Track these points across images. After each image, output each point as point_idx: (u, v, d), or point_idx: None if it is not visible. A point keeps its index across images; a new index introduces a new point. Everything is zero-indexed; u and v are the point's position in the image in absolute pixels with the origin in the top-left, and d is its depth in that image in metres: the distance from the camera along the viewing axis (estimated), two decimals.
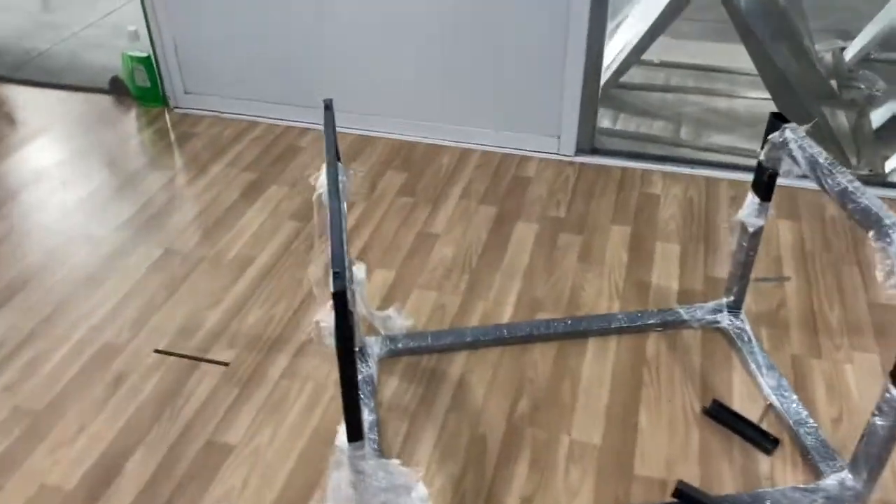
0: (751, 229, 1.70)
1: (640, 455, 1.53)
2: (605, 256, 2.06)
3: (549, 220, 2.20)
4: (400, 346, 1.76)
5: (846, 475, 1.43)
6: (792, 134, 1.51)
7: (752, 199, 1.67)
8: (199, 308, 1.90)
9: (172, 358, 1.76)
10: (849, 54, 3.20)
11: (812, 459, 1.50)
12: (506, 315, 1.87)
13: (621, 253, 2.07)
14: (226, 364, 1.74)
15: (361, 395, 1.62)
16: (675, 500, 1.41)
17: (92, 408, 1.63)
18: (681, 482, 1.40)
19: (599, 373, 1.71)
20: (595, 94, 2.40)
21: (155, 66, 2.75)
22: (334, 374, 1.69)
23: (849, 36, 3.29)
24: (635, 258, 2.05)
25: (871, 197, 1.32)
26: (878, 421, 1.31)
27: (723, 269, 2.01)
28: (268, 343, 1.80)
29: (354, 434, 1.13)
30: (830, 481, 1.43)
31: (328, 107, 1.42)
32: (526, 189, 2.35)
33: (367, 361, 1.71)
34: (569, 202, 2.28)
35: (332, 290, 1.00)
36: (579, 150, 2.47)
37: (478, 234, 2.15)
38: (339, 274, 1.01)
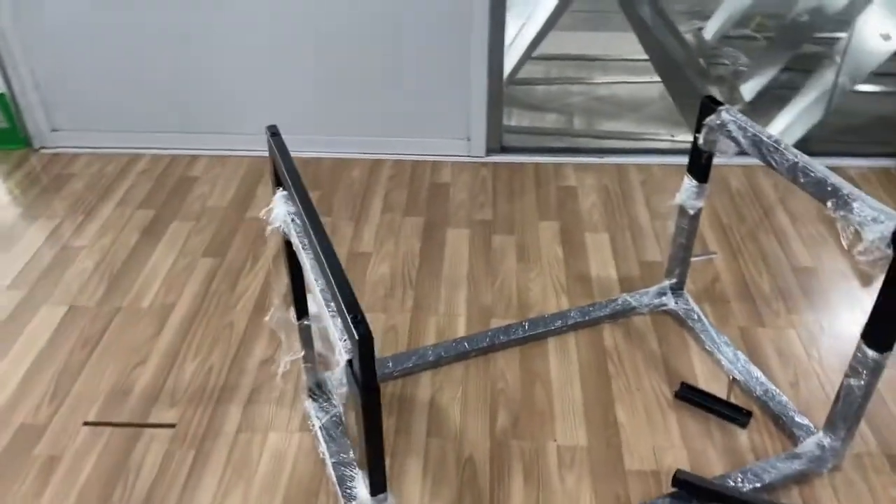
0: (691, 211, 1.74)
1: (627, 450, 1.53)
2: (540, 254, 2.05)
3: (478, 224, 2.17)
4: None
5: (822, 437, 1.49)
6: (729, 115, 1.55)
7: (689, 182, 1.71)
8: (125, 367, 1.71)
9: (108, 429, 1.57)
10: (708, 34, 3.39)
11: (785, 426, 1.56)
12: (460, 327, 1.82)
13: (555, 248, 2.07)
14: (172, 426, 1.58)
15: (334, 436, 1.52)
16: (676, 489, 1.42)
17: (26, 503, 1.43)
18: (679, 471, 1.41)
19: (567, 373, 1.69)
20: (500, 93, 2.39)
21: (12, 103, 2.46)
22: (296, 420, 1.58)
23: (704, 16, 3.49)
24: (570, 252, 2.06)
25: (822, 169, 1.38)
26: (853, 381, 1.38)
27: (653, 253, 2.05)
28: (213, 395, 1.65)
29: (378, 486, 1.04)
30: (809, 445, 1.49)
31: (274, 133, 1.30)
32: (447, 195, 2.30)
33: (330, 399, 1.60)
34: (492, 203, 2.25)
35: (355, 335, 0.91)
36: (490, 150, 2.45)
37: (410, 247, 2.08)
38: (360, 318, 0.92)
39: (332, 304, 1.08)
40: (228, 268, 2.01)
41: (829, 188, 1.34)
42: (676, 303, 1.84)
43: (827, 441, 1.47)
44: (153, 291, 1.93)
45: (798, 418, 1.56)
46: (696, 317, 1.81)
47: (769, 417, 1.59)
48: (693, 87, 2.96)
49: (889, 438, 1.54)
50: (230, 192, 2.32)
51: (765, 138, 1.47)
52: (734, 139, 1.54)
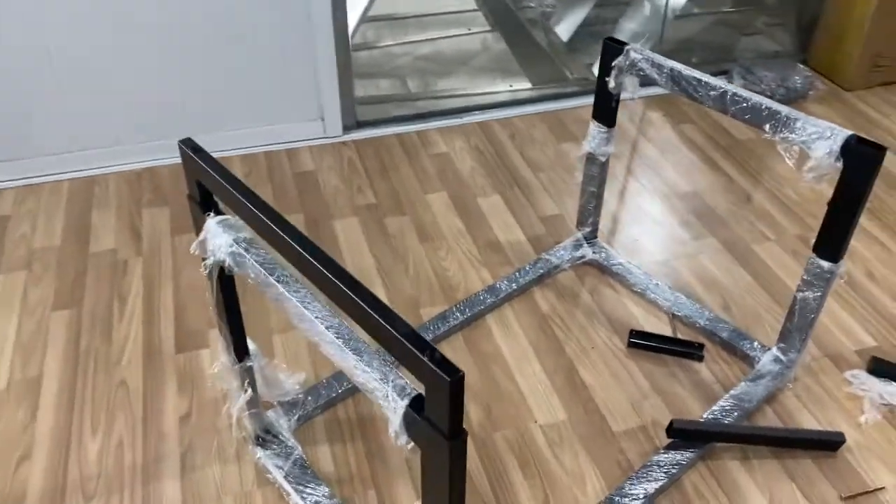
0: (602, 158, 1.71)
1: (606, 411, 1.49)
2: (441, 229, 1.93)
3: (364, 210, 1.99)
4: (309, 408, 1.46)
5: (776, 352, 1.55)
6: (638, 54, 1.52)
7: (596, 129, 1.67)
8: (5, 469, 1.36)
9: None
10: None
11: (736, 349, 1.60)
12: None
13: (453, 220, 1.96)
14: None
15: (305, 481, 1.32)
16: (673, 440, 1.40)
17: None
18: (674, 420, 1.39)
19: (519, 348, 1.61)
20: (349, 65, 2.19)
21: None
22: (250, 475, 1.36)
23: None
24: (469, 221, 1.96)
25: (753, 95, 1.39)
26: (808, 294, 1.43)
27: (550, 206, 2.01)
28: (137, 474, 1.36)
29: None
30: (766, 363, 1.54)
31: (196, 148, 1.05)
32: (317, 184, 2.08)
33: (285, 441, 1.39)
34: (370, 185, 2.08)
35: (445, 376, 0.74)
36: (346, 128, 2.26)
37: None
38: (440, 357, 0.76)
39: (364, 349, 0.90)
40: (92, 318, 1.66)
41: (766, 112, 1.36)
42: (595, 252, 1.82)
43: (782, 355, 1.53)
44: (5, 367, 1.55)
45: (746, 339, 1.61)
46: (617, 262, 1.80)
47: (719, 345, 1.63)
48: (525, 36, 2.95)
49: (823, 340, 1.64)
50: (57, 226, 1.93)
51: (685, 72, 1.46)
52: (649, 77, 1.52)
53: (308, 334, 0.98)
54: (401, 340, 0.79)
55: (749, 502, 1.33)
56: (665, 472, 1.36)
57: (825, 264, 1.38)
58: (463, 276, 1.79)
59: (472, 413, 1.48)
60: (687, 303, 1.70)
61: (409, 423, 0.84)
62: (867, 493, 1.34)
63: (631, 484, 1.34)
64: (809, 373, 1.56)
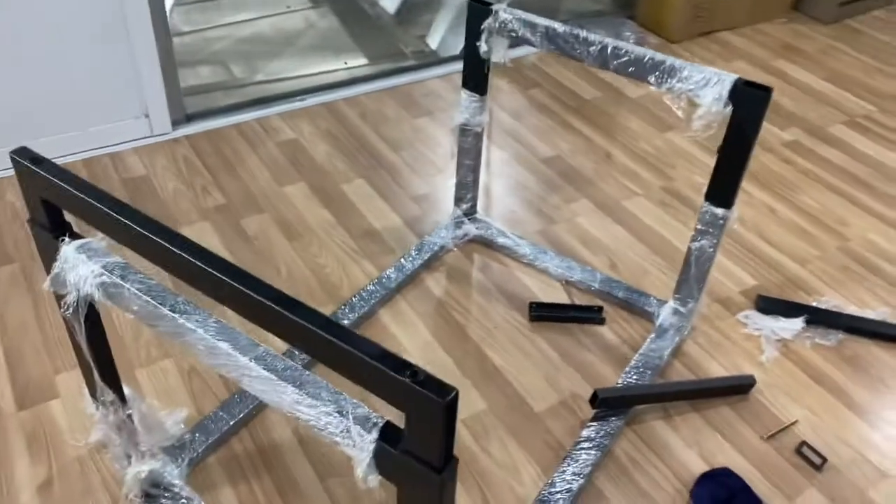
0: (477, 129, 1.61)
1: (525, 392, 1.41)
2: (308, 224, 1.75)
3: (214, 212, 1.76)
4: (198, 448, 1.26)
5: (673, 304, 1.54)
6: (508, 14, 1.43)
7: (468, 98, 1.57)
8: None
9: None
10: None
11: (634, 307, 1.59)
12: (274, 339, 1.47)
13: (320, 212, 1.79)
14: None
15: None
16: (601, 409, 1.35)
17: None
18: (598, 391, 1.34)
19: (421, 340, 1.49)
20: (170, 51, 1.93)
21: None
22: None
23: None
24: (338, 211, 1.80)
25: (634, 47, 1.35)
26: (703, 242, 1.43)
27: (419, 185, 1.90)
28: None
29: None
30: (666, 317, 1.53)
31: (37, 159, 0.82)
32: (153, 189, 1.82)
33: (180, 493, 1.18)
34: (215, 184, 1.85)
35: (437, 399, 0.61)
36: (175, 123, 2.00)
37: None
38: (426, 376, 0.62)
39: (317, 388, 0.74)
40: None
41: (649, 64, 1.32)
42: (478, 228, 1.73)
43: (681, 306, 1.53)
44: None
45: (641, 296, 1.60)
46: (501, 235, 1.72)
47: (616, 305, 1.60)
48: (355, 9, 2.79)
49: (709, 286, 1.66)
50: None
51: (560, 29, 1.39)
52: (522, 38, 1.44)
53: (224, 370, 0.80)
54: (370, 363, 0.65)
55: (680, 458, 1.31)
56: (596, 446, 1.31)
57: (718, 211, 1.38)
58: (343, 271, 1.64)
59: None
60: (577, 267, 1.66)
61: (381, 460, 0.70)
62: (784, 429, 1.37)
63: (567, 465, 1.28)
64: (705, 320, 1.58)
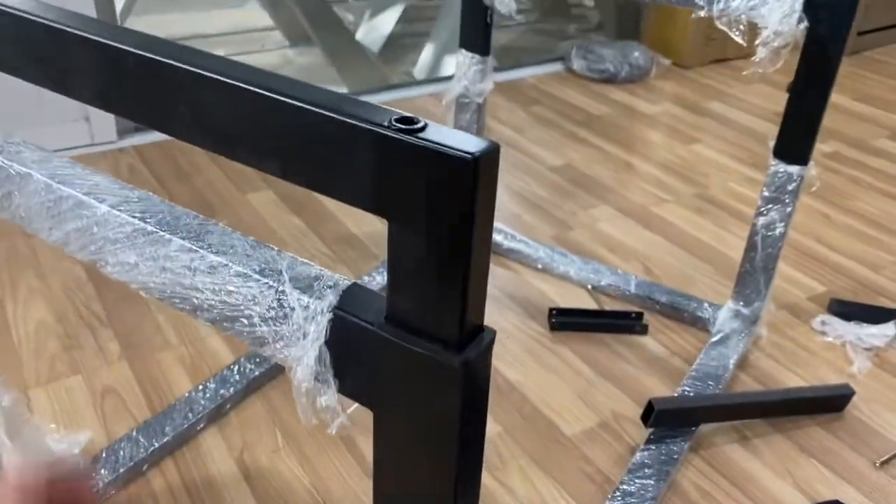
0: (478, 100, 1.33)
1: (551, 412, 1.06)
2: (276, 233, 1.44)
3: None
4: (100, 483, 0.89)
5: (733, 305, 1.22)
6: None
7: (467, 58, 1.29)
8: None
9: None
10: None
11: (682, 313, 1.26)
12: (220, 350, 1.13)
13: (290, 220, 1.48)
14: None
15: None
16: (659, 428, 1.00)
17: None
18: (653, 401, 0.99)
19: None
20: None
21: None
22: None
23: None
24: (310, 218, 1.48)
25: None
26: (772, 214, 1.12)
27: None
28: None
29: None
30: (725, 321, 1.20)
31: None
32: None
33: None
34: (167, 194, 1.54)
35: (471, 155, 0.30)
36: (122, 132, 1.71)
37: (70, 275, 1.28)
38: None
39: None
40: None
41: None
42: None
43: (743, 307, 1.21)
44: None
45: (690, 300, 1.27)
46: (511, 239, 1.41)
47: (658, 312, 1.27)
48: (340, 42, 2.59)
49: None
50: None
51: None
52: None
53: (78, 243, 0.47)
54: (325, 117, 0.33)
55: (769, 490, 0.96)
56: (656, 475, 0.95)
57: (792, 169, 1.09)
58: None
59: (362, 442, 0.99)
60: (605, 271, 1.34)
61: (343, 349, 0.37)
62: None
63: (617, 501, 0.92)
64: (773, 329, 1.24)
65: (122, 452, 0.93)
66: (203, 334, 1.16)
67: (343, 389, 0.39)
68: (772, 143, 1.11)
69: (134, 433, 0.95)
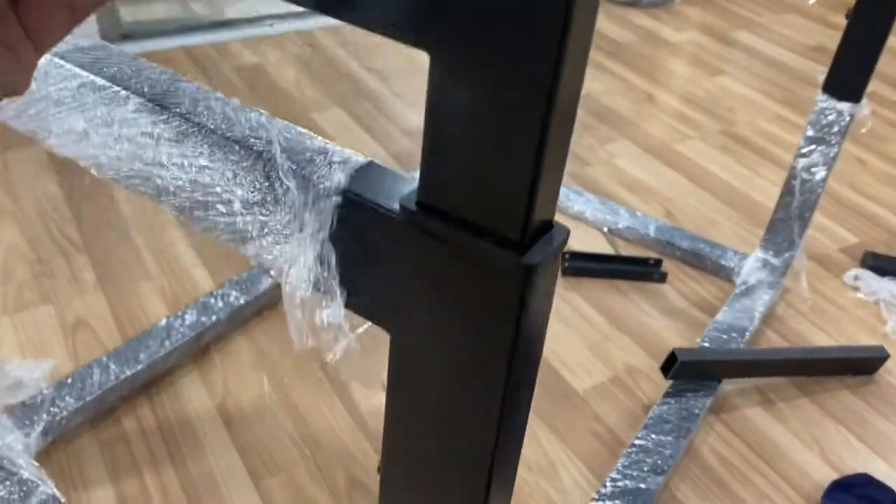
0: None
1: (561, 365, 0.98)
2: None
3: None
4: (63, 412, 0.81)
5: (760, 254, 1.13)
6: None
7: None
8: None
9: None
10: None
11: (705, 261, 1.17)
12: (200, 278, 1.05)
13: None
14: None
15: None
16: (679, 381, 0.92)
17: None
18: (676, 351, 0.91)
19: None
20: None
21: None
22: None
23: None
24: None
25: None
26: (814, 156, 1.02)
27: (410, 118, 1.48)
28: None
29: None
30: (751, 270, 1.11)
31: None
32: None
33: (18, 473, 0.74)
34: None
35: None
36: (108, 41, 1.59)
37: (45, 193, 1.18)
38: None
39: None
40: None
41: None
42: None
43: (773, 257, 1.11)
44: None
45: (714, 247, 1.18)
46: None
47: (679, 258, 1.18)
48: None
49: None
50: None
51: None
52: None
53: (27, 115, 0.38)
54: None
55: (794, 461, 0.88)
56: (675, 431, 0.88)
57: (842, 106, 0.98)
58: None
59: (356, 391, 0.91)
60: (623, 212, 1.24)
61: (350, 247, 0.28)
62: None
63: (628, 463, 0.85)
64: (797, 279, 1.16)
65: (88, 382, 0.85)
66: (186, 264, 1.07)
67: (351, 303, 0.30)
68: (820, 79, 1.00)
69: (104, 359, 0.87)
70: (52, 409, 0.81)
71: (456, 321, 0.27)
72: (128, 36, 1.62)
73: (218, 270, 1.06)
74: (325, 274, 0.29)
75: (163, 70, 0.34)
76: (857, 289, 1.15)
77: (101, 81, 0.34)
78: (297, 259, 0.29)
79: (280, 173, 0.29)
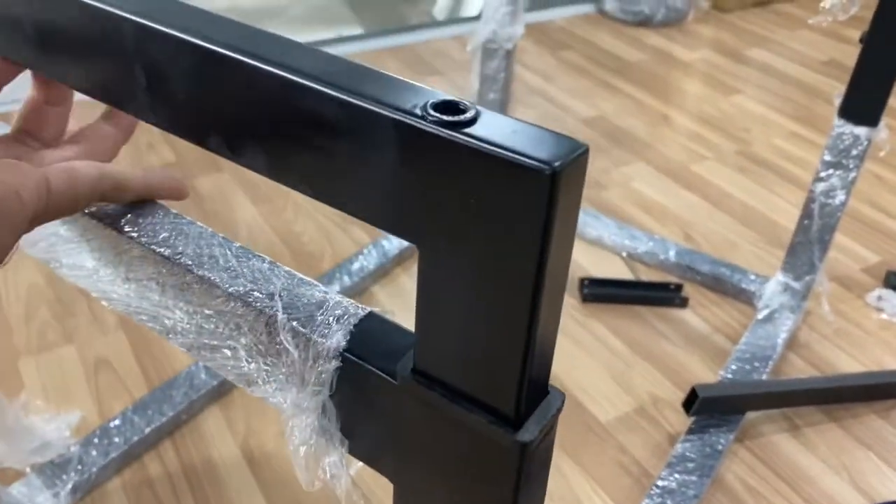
0: (507, 45, 1.21)
1: (584, 395, 0.97)
2: (282, 186, 1.35)
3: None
4: (92, 468, 0.82)
5: (781, 278, 1.12)
6: None
7: (496, 0, 1.18)
8: None
9: None
10: None
11: (725, 285, 1.16)
12: None
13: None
14: None
15: None
16: (701, 416, 0.91)
17: None
18: (697, 388, 0.90)
19: None
20: None
21: None
22: None
23: None
24: None
25: None
26: (832, 180, 1.01)
27: None
28: None
29: None
30: (772, 294, 1.10)
31: None
32: None
33: None
34: (165, 139, 1.44)
35: (550, 167, 0.20)
36: None
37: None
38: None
39: None
40: None
41: None
42: None
43: (793, 280, 1.11)
44: None
45: (735, 271, 1.17)
46: None
47: (699, 283, 1.17)
48: None
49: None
50: None
51: None
52: None
53: (38, 247, 0.38)
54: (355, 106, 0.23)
55: (822, 487, 0.87)
56: (698, 470, 0.87)
57: (859, 131, 0.97)
58: (326, 240, 1.22)
59: None
60: (642, 236, 1.24)
61: (354, 407, 0.28)
62: None
63: (655, 497, 0.84)
64: (823, 304, 1.15)
65: (115, 435, 0.85)
66: None
67: (354, 451, 0.30)
68: (836, 100, 0.99)
69: (129, 412, 0.88)
70: (79, 466, 0.81)
71: (453, 484, 0.27)
72: None
73: None
74: (327, 424, 0.30)
75: (166, 211, 0.35)
76: (881, 310, 1.14)
77: (104, 226, 0.34)
78: (300, 412, 0.30)
79: (281, 334, 0.29)
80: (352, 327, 0.28)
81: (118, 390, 0.94)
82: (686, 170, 1.46)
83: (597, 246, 1.24)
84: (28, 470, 0.81)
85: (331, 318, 0.29)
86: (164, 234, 0.33)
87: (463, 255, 0.22)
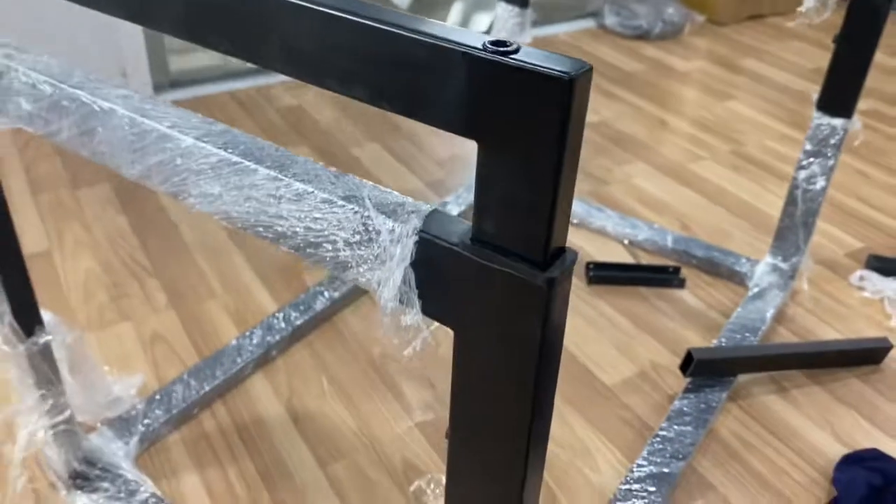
0: None
1: (592, 363, 1.08)
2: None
3: None
4: (155, 423, 0.92)
5: (770, 260, 1.22)
6: None
7: (506, 12, 1.29)
8: None
9: None
10: None
11: (720, 268, 1.26)
12: (263, 298, 1.16)
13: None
14: None
15: None
16: (697, 377, 1.02)
17: None
18: (692, 351, 1.01)
19: None
20: None
21: None
22: None
23: None
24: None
25: None
26: (813, 168, 1.12)
27: (444, 149, 1.60)
28: None
29: None
30: (762, 275, 1.21)
31: None
32: None
33: (124, 475, 0.84)
34: None
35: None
36: (158, 88, 1.73)
37: (113, 225, 1.31)
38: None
39: None
40: None
41: None
42: None
43: (781, 262, 1.21)
44: None
45: (728, 255, 1.28)
46: None
47: (696, 266, 1.28)
48: None
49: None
50: None
51: None
52: None
53: (160, 176, 0.49)
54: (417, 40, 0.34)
55: (808, 440, 0.97)
56: (694, 422, 0.97)
57: (836, 122, 1.08)
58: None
59: (420, 389, 1.01)
60: (642, 226, 1.35)
61: (428, 272, 0.39)
62: None
63: (657, 446, 0.94)
64: (810, 284, 1.24)
65: (174, 395, 0.96)
66: (246, 282, 1.19)
67: (426, 310, 0.41)
68: (815, 97, 1.10)
69: (185, 376, 0.98)
70: (145, 420, 0.92)
71: (500, 319, 0.38)
72: (176, 84, 1.76)
73: (276, 288, 1.18)
74: (407, 290, 0.40)
75: (278, 147, 0.46)
76: (862, 288, 1.24)
77: (234, 158, 0.45)
78: (388, 280, 0.41)
79: (373, 221, 0.40)
80: (424, 216, 0.39)
81: (173, 360, 1.04)
82: (683, 168, 1.57)
83: (601, 234, 1.34)
84: (99, 425, 0.91)
85: (408, 212, 0.39)
86: (279, 162, 0.44)
87: (510, 144, 0.33)
